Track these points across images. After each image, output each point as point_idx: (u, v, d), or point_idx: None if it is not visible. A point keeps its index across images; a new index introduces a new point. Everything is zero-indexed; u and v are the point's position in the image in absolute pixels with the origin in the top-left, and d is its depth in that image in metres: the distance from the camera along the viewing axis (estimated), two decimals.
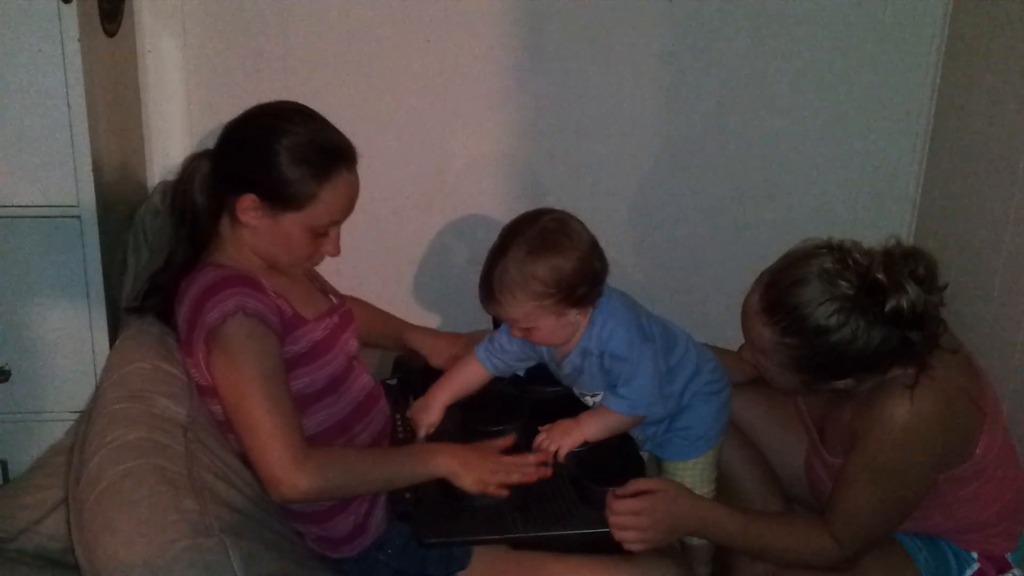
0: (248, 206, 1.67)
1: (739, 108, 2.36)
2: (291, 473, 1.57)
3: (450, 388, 1.89)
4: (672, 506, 1.68)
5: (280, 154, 1.64)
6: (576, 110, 2.36)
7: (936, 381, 1.59)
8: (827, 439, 1.80)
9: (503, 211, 2.17)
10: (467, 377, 1.91)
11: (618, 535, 1.66)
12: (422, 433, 1.84)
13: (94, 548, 1.44)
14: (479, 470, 1.69)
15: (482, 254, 1.73)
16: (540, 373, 1.97)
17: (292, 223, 1.69)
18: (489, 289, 1.71)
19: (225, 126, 1.73)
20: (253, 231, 1.70)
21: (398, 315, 2.19)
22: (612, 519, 1.66)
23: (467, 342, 2.03)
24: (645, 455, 1.93)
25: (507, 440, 1.79)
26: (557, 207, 2.31)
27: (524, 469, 1.72)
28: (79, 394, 1.89)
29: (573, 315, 1.74)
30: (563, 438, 1.79)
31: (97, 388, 1.76)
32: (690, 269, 2.47)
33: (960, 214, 2.18)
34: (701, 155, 2.40)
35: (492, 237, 1.74)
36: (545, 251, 1.67)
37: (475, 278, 1.74)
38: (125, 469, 1.52)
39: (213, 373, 1.65)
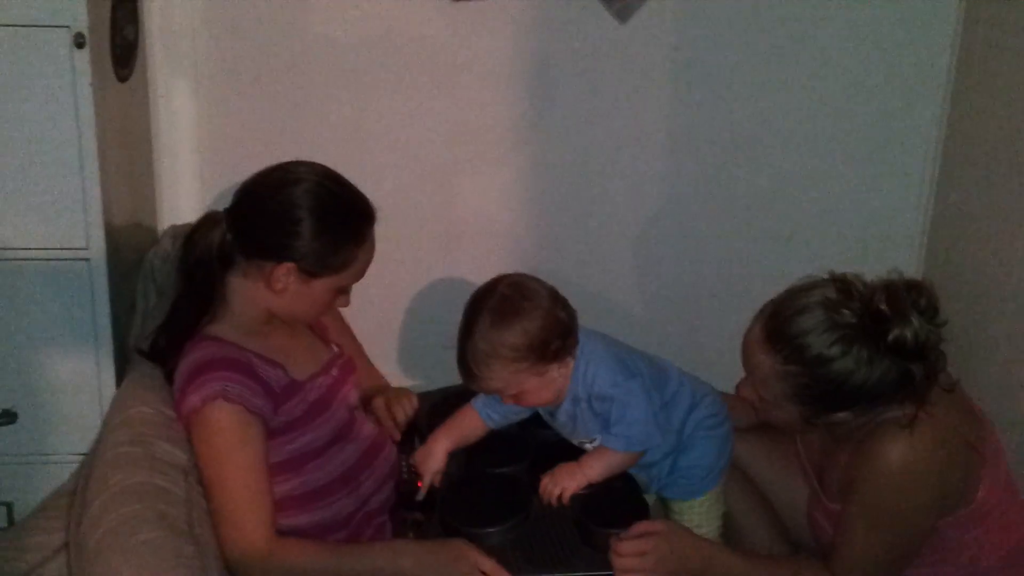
0: (284, 273, 1.68)
1: (745, 153, 2.36)
2: (254, 563, 1.59)
3: (451, 436, 1.89)
4: (676, 547, 1.68)
5: (315, 223, 1.67)
6: (583, 156, 2.37)
7: (932, 423, 1.58)
8: (826, 485, 1.78)
9: (510, 260, 2.18)
10: (467, 427, 1.92)
11: None
12: (427, 479, 1.84)
13: None
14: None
15: None
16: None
17: (324, 286, 1.72)
18: (466, 368, 1.73)
19: (240, 191, 1.73)
20: (280, 294, 1.71)
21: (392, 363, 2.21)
22: (616, 561, 1.66)
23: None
24: (652, 498, 1.93)
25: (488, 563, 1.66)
26: (563, 254, 2.35)
27: None
28: (85, 437, 1.88)
29: (555, 370, 1.76)
30: (567, 481, 1.79)
31: (100, 431, 1.76)
32: (694, 312, 2.47)
33: (968, 255, 2.17)
34: (706, 198, 2.40)
35: None
36: (509, 318, 1.70)
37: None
38: (126, 513, 1.53)
39: (195, 452, 1.67)
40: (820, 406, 1.62)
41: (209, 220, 1.74)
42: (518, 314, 1.70)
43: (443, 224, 2.41)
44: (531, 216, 2.40)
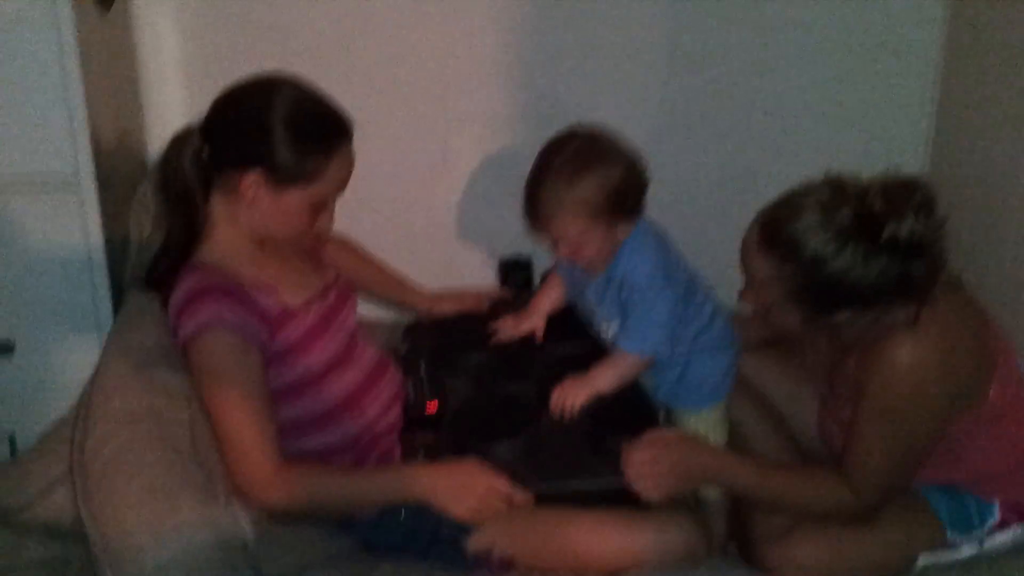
0: (252, 182, 1.64)
1: (746, 59, 2.33)
2: (262, 489, 1.56)
3: (547, 299, 1.99)
4: (687, 453, 1.67)
5: (286, 129, 1.62)
6: (578, 73, 2.33)
7: (937, 322, 1.56)
8: (836, 393, 1.77)
9: (505, 182, 2.16)
10: (556, 292, 1.99)
11: (634, 485, 1.64)
12: (524, 329, 1.99)
13: (100, 516, 1.43)
14: (466, 500, 1.64)
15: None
16: (555, 328, 2.00)
17: (296, 198, 1.67)
18: (537, 212, 1.73)
19: (216, 100, 1.69)
20: (252, 207, 1.67)
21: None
22: (627, 469, 1.64)
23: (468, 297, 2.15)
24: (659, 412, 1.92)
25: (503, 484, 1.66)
26: None
27: (513, 498, 1.65)
28: (84, 366, 1.85)
29: (620, 230, 1.76)
30: (577, 391, 1.79)
31: (100, 359, 1.73)
32: (697, 223, 2.41)
33: (974, 153, 2.13)
34: (706, 106, 2.37)
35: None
36: (592, 164, 1.70)
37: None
38: (129, 437, 1.51)
39: (195, 381, 1.64)
40: (819, 307, 1.60)
41: (180, 137, 1.70)
42: (602, 162, 1.71)
43: (435, 144, 2.37)
44: (526, 136, 2.36)
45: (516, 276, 2.39)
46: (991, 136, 2.05)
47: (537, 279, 2.39)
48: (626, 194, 1.71)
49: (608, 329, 1.84)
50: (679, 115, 2.38)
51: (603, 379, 1.78)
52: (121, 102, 2.10)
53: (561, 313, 2.01)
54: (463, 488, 1.64)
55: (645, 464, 1.64)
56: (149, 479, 1.44)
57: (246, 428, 1.58)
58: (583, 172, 1.68)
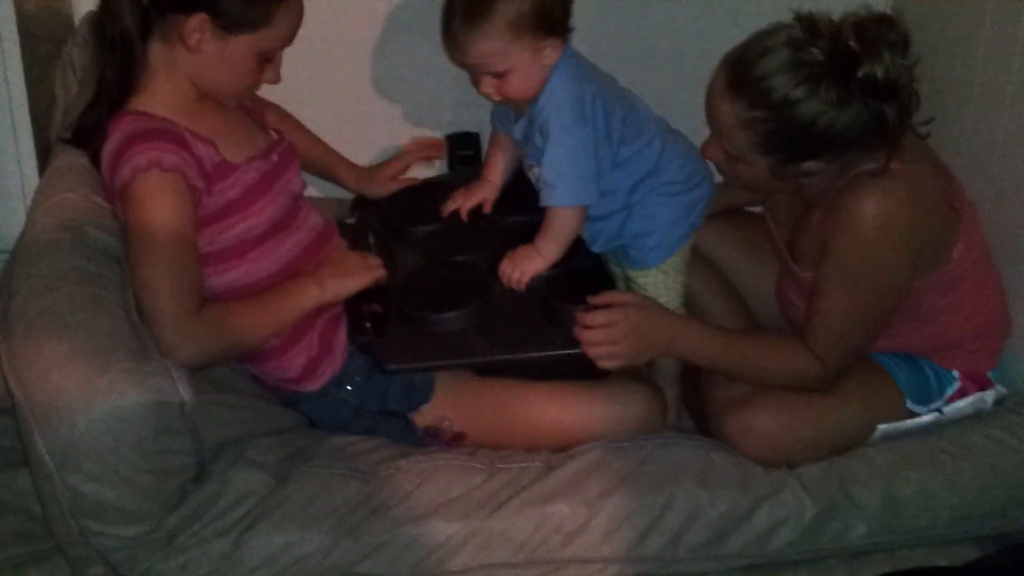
0: (197, 27, 1.54)
1: None
2: (176, 341, 1.46)
3: (497, 166, 1.89)
4: (644, 318, 1.61)
5: None
6: None
7: (906, 173, 1.52)
8: (798, 254, 1.71)
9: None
10: (504, 151, 1.88)
11: (589, 351, 1.59)
12: (471, 203, 1.89)
13: (26, 377, 1.35)
14: (351, 274, 1.69)
15: None
16: (506, 202, 1.91)
17: (242, 46, 1.57)
18: (454, 27, 1.62)
19: None
20: (195, 56, 1.57)
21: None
22: (582, 334, 1.59)
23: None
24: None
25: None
26: None
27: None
28: (9, 233, 1.77)
29: (548, 49, 1.64)
30: (525, 263, 1.72)
31: (26, 222, 1.64)
32: (655, 81, 2.31)
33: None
34: None
35: None
36: None
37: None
38: (57, 296, 1.42)
39: (126, 227, 1.55)
40: (789, 154, 1.54)
41: None
42: None
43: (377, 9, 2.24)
44: None
45: (463, 151, 2.30)
46: None
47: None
48: (551, 7, 1.61)
49: (535, 177, 1.75)
50: None
51: (546, 246, 1.71)
52: None
53: (515, 182, 1.93)
54: (342, 268, 1.69)
55: (601, 331, 1.58)
56: (77, 338, 1.36)
57: (165, 277, 1.49)
58: None
